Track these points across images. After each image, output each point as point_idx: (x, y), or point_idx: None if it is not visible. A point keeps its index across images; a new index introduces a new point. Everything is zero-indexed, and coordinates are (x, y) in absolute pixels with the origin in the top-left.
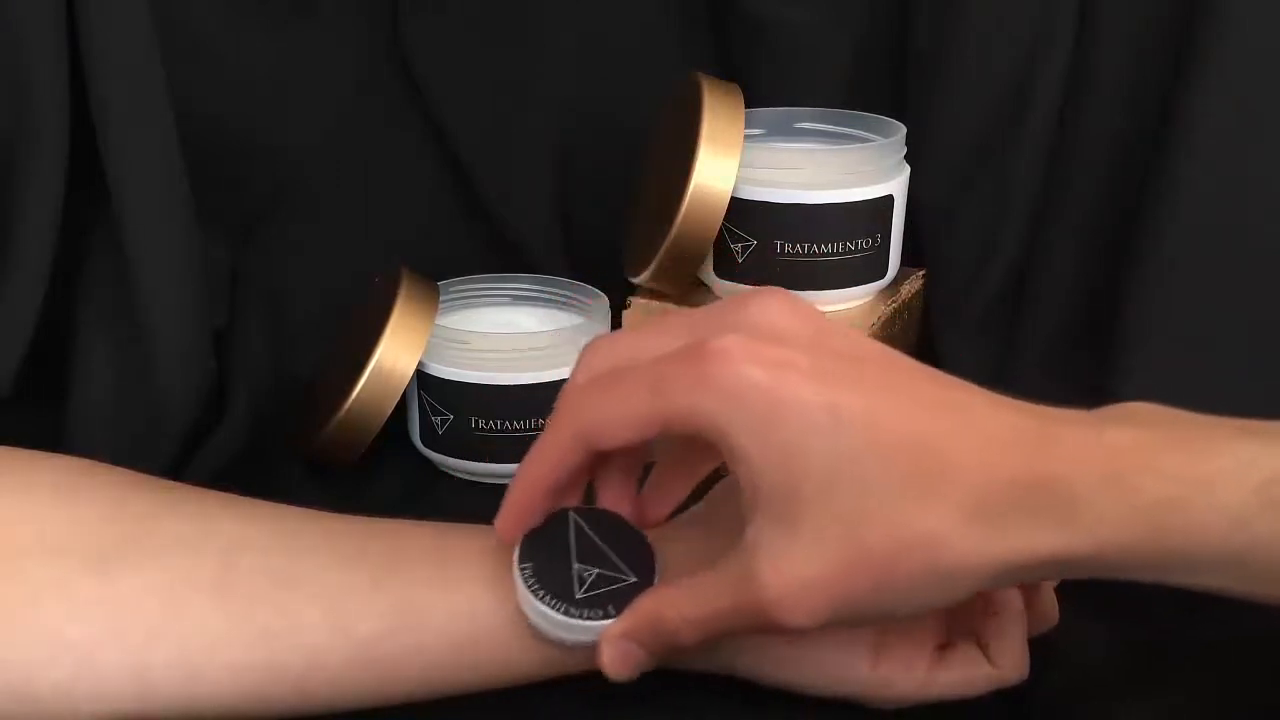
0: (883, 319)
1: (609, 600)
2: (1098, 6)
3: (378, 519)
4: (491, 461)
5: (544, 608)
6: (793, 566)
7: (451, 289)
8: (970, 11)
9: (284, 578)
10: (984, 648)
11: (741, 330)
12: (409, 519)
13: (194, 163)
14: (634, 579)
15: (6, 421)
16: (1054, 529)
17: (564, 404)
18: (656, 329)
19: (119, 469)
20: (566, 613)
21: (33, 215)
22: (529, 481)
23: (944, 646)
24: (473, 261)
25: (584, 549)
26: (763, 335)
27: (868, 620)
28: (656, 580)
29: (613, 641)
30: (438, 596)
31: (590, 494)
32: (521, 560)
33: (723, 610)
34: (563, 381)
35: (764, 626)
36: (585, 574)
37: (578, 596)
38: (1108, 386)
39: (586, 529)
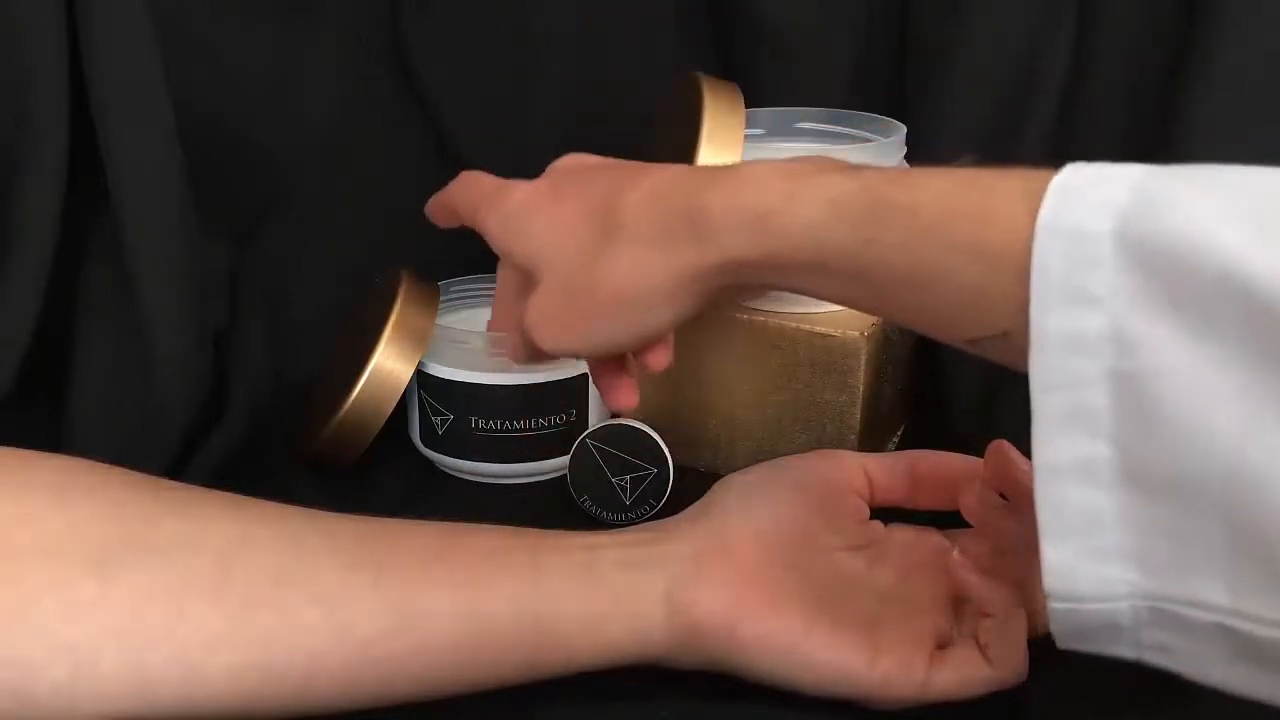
0: (883, 319)
1: (650, 495)
2: (1098, 6)
3: (377, 519)
4: (491, 461)
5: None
6: (537, 307)
7: (451, 289)
8: (970, 12)
9: (284, 578)
10: (983, 649)
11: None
12: (409, 519)
13: (194, 163)
14: (654, 470)
15: (6, 421)
16: (698, 247)
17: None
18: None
19: (118, 469)
20: (626, 520)
21: (33, 215)
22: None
23: (943, 647)
24: (473, 261)
25: (612, 464)
26: (544, 177)
27: (600, 348)
28: (669, 462)
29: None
30: (438, 596)
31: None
32: (578, 495)
33: (516, 339)
34: (563, 381)
35: (532, 345)
36: (622, 484)
37: (626, 503)
38: None
39: (605, 447)
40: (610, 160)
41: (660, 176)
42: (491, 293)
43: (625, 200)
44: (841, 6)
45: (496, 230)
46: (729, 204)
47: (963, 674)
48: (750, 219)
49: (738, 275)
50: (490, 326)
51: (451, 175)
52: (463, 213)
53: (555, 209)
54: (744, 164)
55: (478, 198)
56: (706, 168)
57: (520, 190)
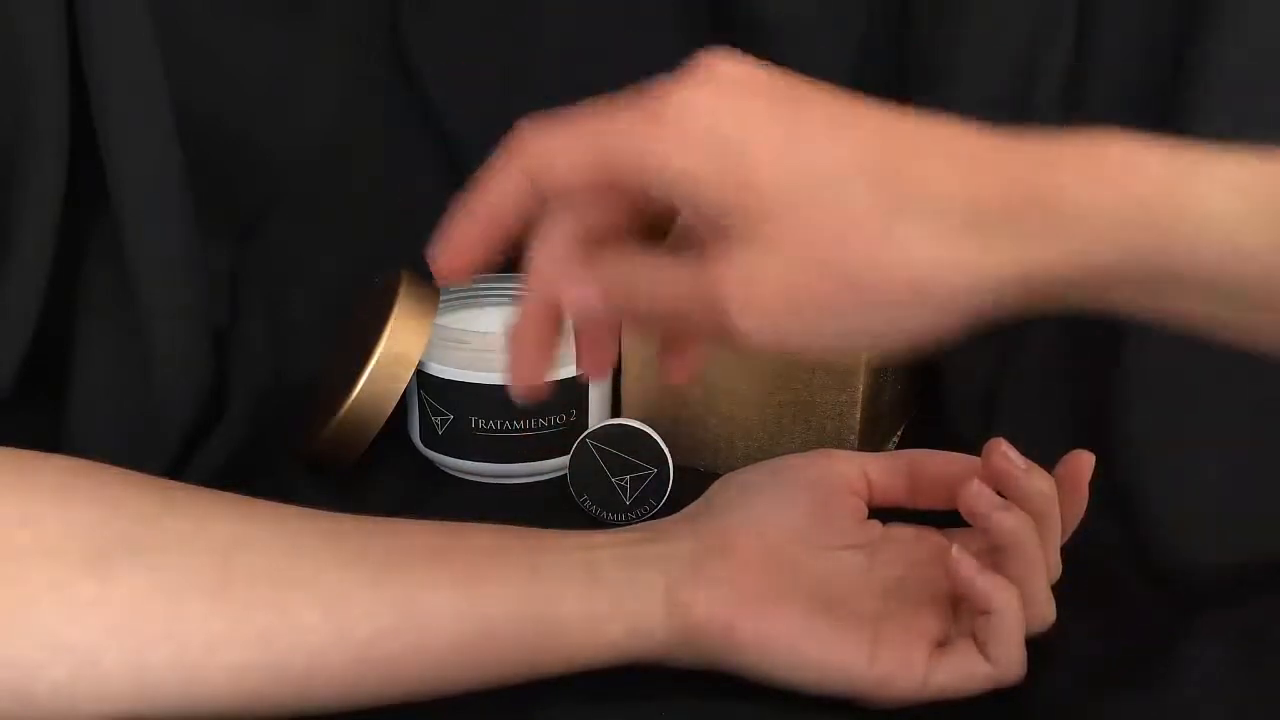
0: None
1: (650, 495)
2: (1098, 6)
3: (378, 519)
4: (491, 461)
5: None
6: (752, 270)
7: (451, 289)
8: (971, 12)
9: (284, 578)
10: (981, 647)
11: (690, 84)
12: (409, 519)
13: (194, 163)
14: (654, 469)
15: (6, 421)
16: (1039, 242)
17: (514, 139)
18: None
19: (117, 469)
20: (626, 520)
21: (33, 215)
22: (471, 212)
23: (941, 646)
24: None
25: (612, 464)
26: (714, 81)
27: (845, 344)
28: (669, 462)
29: (583, 281)
30: (438, 596)
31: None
32: (578, 495)
33: (681, 295)
34: (563, 381)
35: (716, 322)
36: (622, 484)
37: (626, 503)
38: (1108, 386)
39: (605, 447)
40: (821, 85)
41: (975, 141)
42: (491, 293)
43: (925, 164)
44: (841, 6)
45: (682, 157)
46: (1094, 186)
47: (961, 672)
48: (1127, 208)
49: (1086, 286)
50: (577, 305)
51: (451, 175)
52: (600, 162)
53: (798, 146)
54: (1098, 135)
55: (620, 129)
56: (1041, 138)
57: (702, 98)
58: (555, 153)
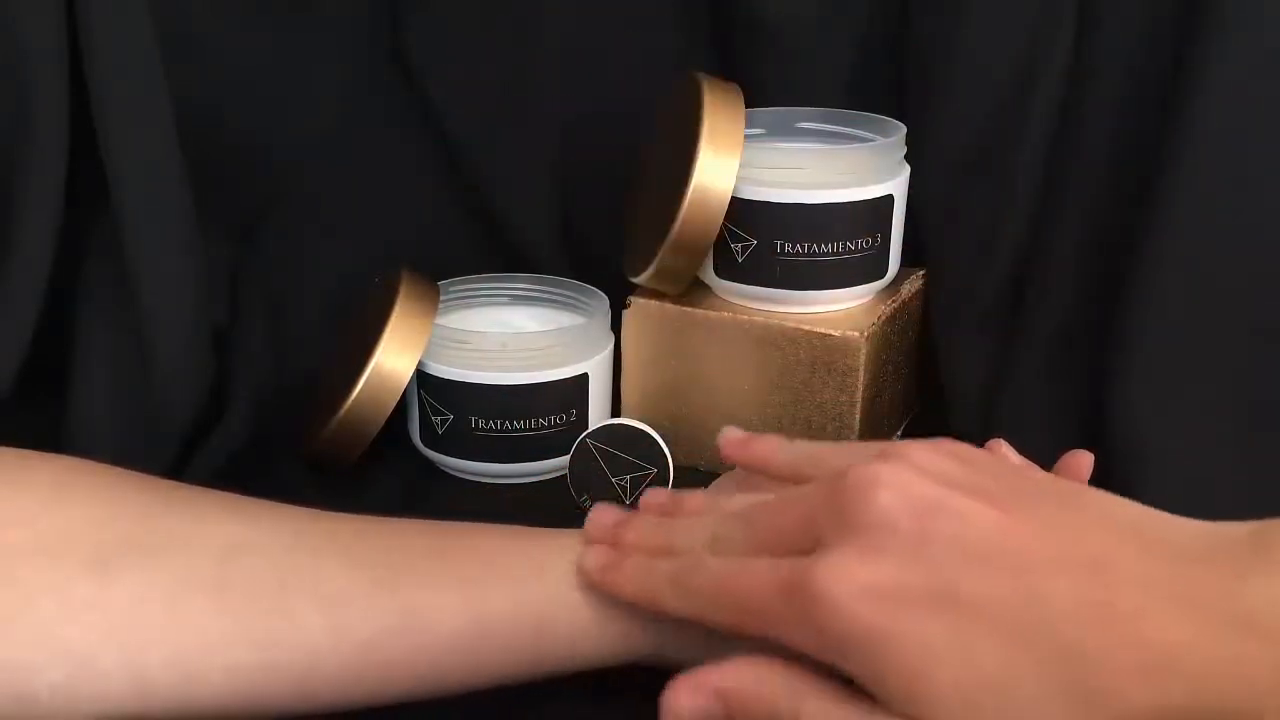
0: (883, 319)
1: None
2: (1098, 6)
3: (377, 519)
4: (491, 461)
5: None
6: None
7: (451, 289)
8: (970, 11)
9: (282, 578)
10: None
11: (842, 546)
12: (409, 519)
13: (194, 163)
14: (654, 470)
15: (6, 421)
16: None
17: (687, 574)
18: (776, 513)
19: (116, 469)
20: None
21: (33, 215)
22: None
23: None
24: (473, 261)
25: (612, 464)
26: (872, 545)
27: None
28: (669, 462)
29: (700, 690)
30: (438, 596)
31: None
32: (578, 495)
33: None
34: (562, 381)
35: None
36: (622, 484)
37: (626, 503)
38: (1108, 386)
39: (605, 447)
40: (1034, 518)
41: (1165, 628)
42: (491, 293)
43: (1116, 675)
44: (841, 6)
45: (819, 649)
46: None
47: None
48: None
49: None
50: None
51: (451, 175)
52: (718, 618)
53: (961, 646)
54: None
55: (759, 598)
56: (1237, 602)
57: (851, 578)
58: (719, 622)
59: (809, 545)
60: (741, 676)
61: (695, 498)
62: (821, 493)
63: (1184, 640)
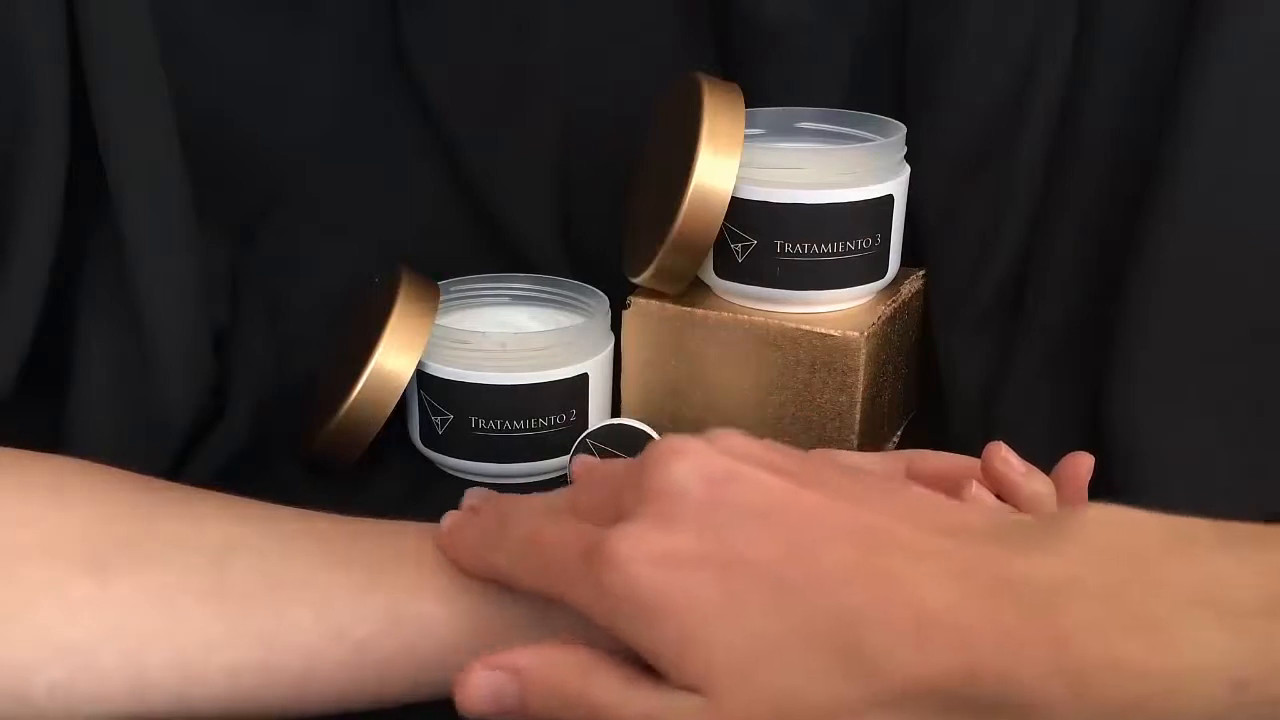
0: (883, 319)
1: None
2: (1098, 6)
3: (373, 520)
4: (491, 461)
5: None
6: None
7: (451, 289)
8: (970, 11)
9: (279, 579)
10: None
11: (639, 514)
12: (409, 519)
13: (194, 163)
14: None
15: (6, 421)
16: None
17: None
18: (592, 486)
19: (115, 470)
20: None
21: (33, 216)
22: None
23: None
24: (473, 261)
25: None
26: (665, 512)
27: None
28: None
29: (494, 667)
30: (434, 599)
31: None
32: None
33: None
34: (563, 381)
35: None
36: None
37: None
38: (1108, 386)
39: (605, 447)
40: (813, 492)
41: (934, 592)
42: (491, 293)
43: (885, 636)
44: (841, 7)
45: (605, 613)
46: (1054, 674)
47: None
48: (1107, 710)
49: None
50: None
51: (451, 175)
52: (526, 576)
53: (732, 606)
54: (1056, 584)
55: (559, 556)
56: (1003, 568)
57: (640, 543)
58: (518, 577)
59: (617, 518)
60: (535, 656)
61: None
62: (629, 468)
63: (953, 604)
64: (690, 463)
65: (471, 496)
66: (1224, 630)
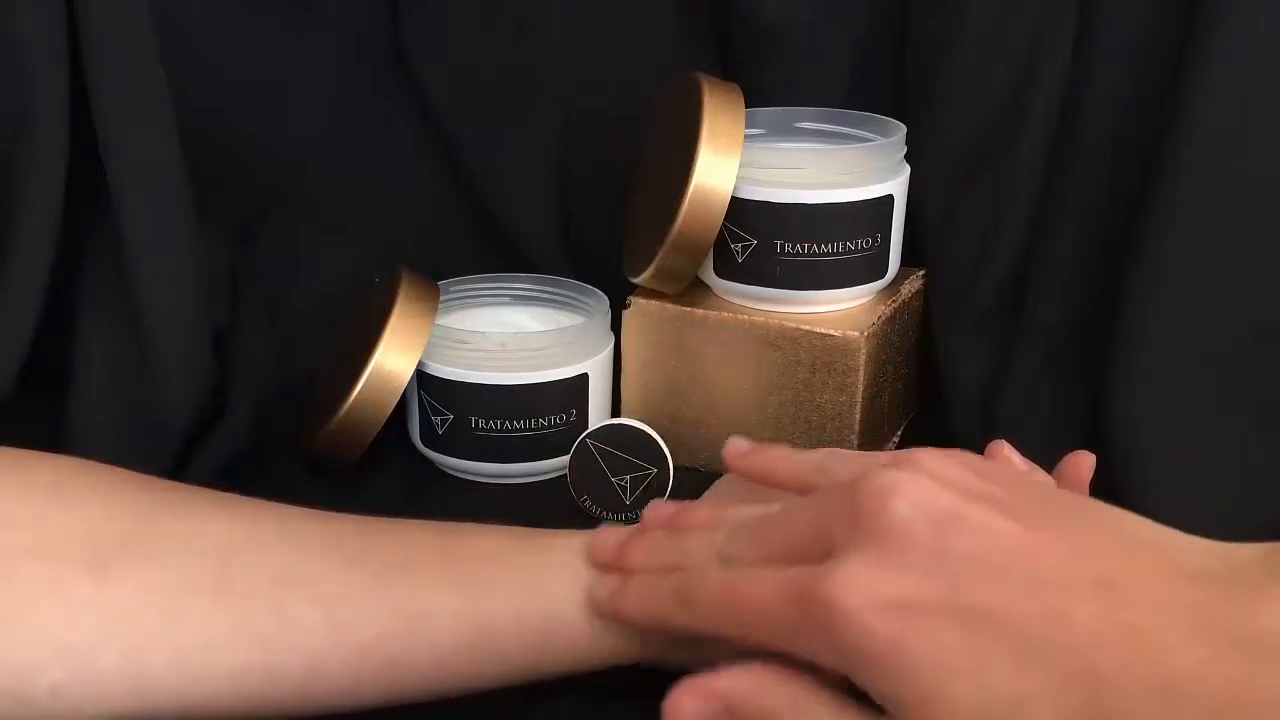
0: (883, 319)
1: (650, 495)
2: (1098, 6)
3: (378, 519)
4: (491, 461)
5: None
6: None
7: (451, 289)
8: (970, 11)
9: (283, 579)
10: None
11: (856, 556)
12: (409, 519)
13: (194, 163)
14: (654, 470)
15: (6, 421)
16: None
17: (697, 586)
18: (787, 522)
19: (116, 469)
20: (626, 520)
21: (33, 216)
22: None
23: None
24: (473, 261)
25: (612, 464)
26: (889, 555)
27: None
28: (669, 462)
29: (704, 694)
30: (438, 597)
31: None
32: (578, 495)
33: None
34: (563, 382)
35: None
36: (622, 484)
37: (627, 503)
38: (1108, 386)
39: (605, 446)
40: (1053, 533)
41: (1181, 646)
42: (491, 293)
43: (1134, 700)
44: (841, 6)
45: (835, 661)
46: None
47: None
48: None
49: None
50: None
51: (451, 175)
52: (726, 631)
53: (977, 663)
54: None
55: (766, 608)
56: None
57: (868, 589)
58: (729, 629)
59: (820, 554)
60: (745, 682)
61: (700, 510)
62: (835, 500)
63: (1201, 663)
64: (911, 502)
65: (605, 537)
66: None
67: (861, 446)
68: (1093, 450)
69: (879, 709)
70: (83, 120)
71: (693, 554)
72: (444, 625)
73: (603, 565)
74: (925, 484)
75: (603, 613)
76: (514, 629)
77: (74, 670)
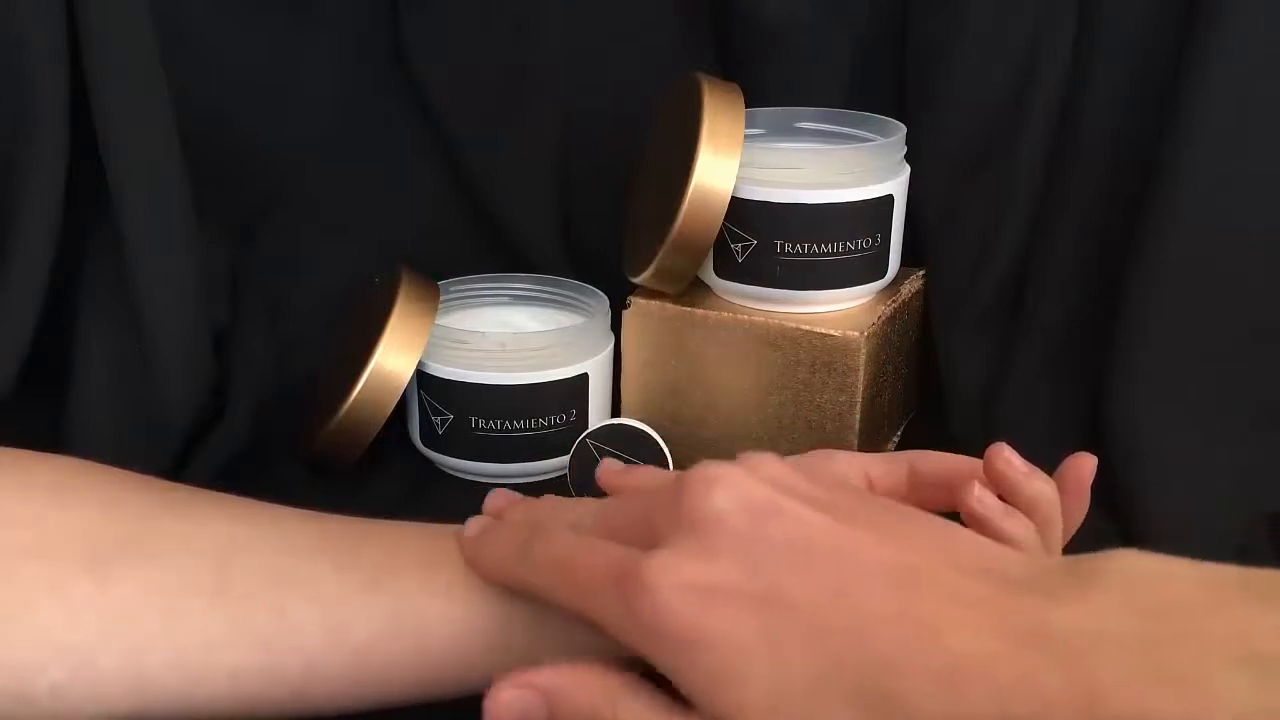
0: (883, 319)
1: None
2: (1098, 6)
3: (375, 520)
4: (491, 461)
5: None
6: None
7: (451, 289)
8: (970, 11)
9: (280, 580)
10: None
11: (675, 541)
12: (409, 519)
13: (194, 163)
14: None
15: (6, 421)
16: None
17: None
18: (625, 507)
19: (116, 469)
20: None
21: (33, 216)
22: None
23: None
24: (473, 261)
25: None
26: (703, 543)
27: None
28: (669, 462)
29: (522, 686)
30: (435, 599)
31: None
32: (578, 495)
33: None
34: (563, 382)
35: None
36: None
37: None
38: (1108, 386)
39: (605, 446)
40: (854, 528)
41: (965, 640)
42: (491, 293)
43: (918, 684)
44: (841, 6)
45: (637, 639)
46: None
47: None
48: None
49: None
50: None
51: (451, 175)
52: (555, 593)
53: (770, 645)
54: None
55: (591, 578)
56: (1035, 619)
57: (676, 572)
58: (550, 595)
59: (650, 541)
60: (564, 677)
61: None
62: (665, 491)
63: (989, 653)
64: (731, 492)
65: (495, 498)
66: (1254, 682)
67: (861, 447)
68: (1093, 450)
69: (692, 707)
70: (83, 120)
71: (553, 520)
72: (440, 627)
73: (489, 511)
74: (746, 478)
75: (463, 550)
76: (507, 630)
77: (74, 670)
